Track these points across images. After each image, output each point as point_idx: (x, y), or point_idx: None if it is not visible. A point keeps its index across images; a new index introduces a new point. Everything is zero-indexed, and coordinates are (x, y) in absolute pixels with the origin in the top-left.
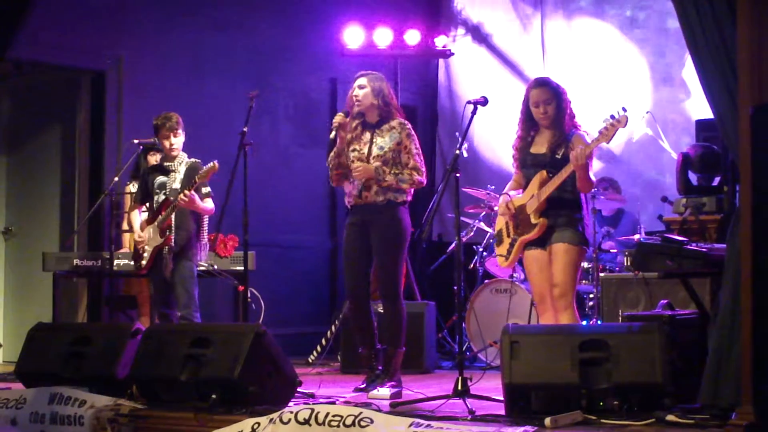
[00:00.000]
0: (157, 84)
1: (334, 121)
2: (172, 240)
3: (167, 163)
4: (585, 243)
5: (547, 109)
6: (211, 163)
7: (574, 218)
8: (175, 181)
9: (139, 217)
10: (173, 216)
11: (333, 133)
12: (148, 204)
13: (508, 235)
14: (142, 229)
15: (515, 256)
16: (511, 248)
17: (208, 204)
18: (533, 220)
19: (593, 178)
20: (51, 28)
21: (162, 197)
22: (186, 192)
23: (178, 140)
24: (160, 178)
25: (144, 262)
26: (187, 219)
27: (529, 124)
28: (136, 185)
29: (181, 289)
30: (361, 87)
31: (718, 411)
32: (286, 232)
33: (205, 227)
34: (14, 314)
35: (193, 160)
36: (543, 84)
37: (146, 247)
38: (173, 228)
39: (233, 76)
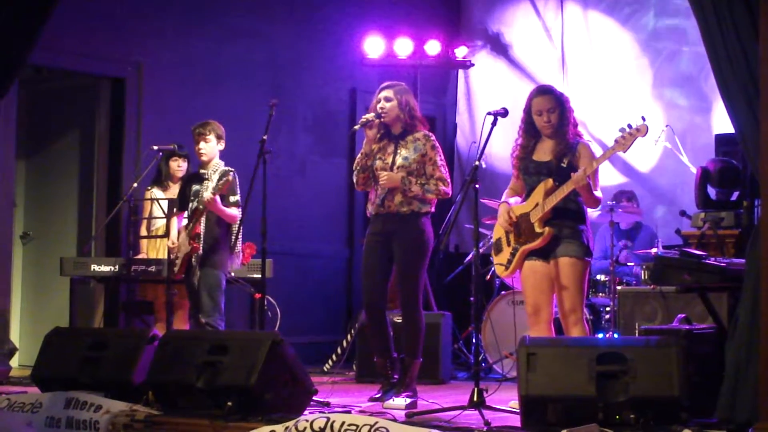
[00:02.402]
0: (177, 91)
1: (363, 117)
2: (200, 248)
3: (203, 171)
4: (589, 255)
5: (551, 117)
6: (227, 176)
7: (579, 229)
8: (207, 189)
9: (177, 224)
10: (202, 224)
11: (358, 126)
12: (185, 213)
13: (508, 244)
14: (178, 235)
15: (516, 265)
16: (512, 258)
17: (233, 211)
18: (537, 229)
19: (599, 195)
20: (71, 35)
21: (195, 205)
22: (209, 195)
23: (207, 146)
24: (195, 186)
25: (176, 269)
26: (215, 227)
27: (530, 132)
28: (156, 191)
29: (206, 296)
30: (387, 99)
31: (735, 426)
32: (303, 241)
33: (239, 237)
34: (31, 318)
35: (226, 168)
36: (546, 92)
37: (178, 254)
38: (201, 236)
39: (252, 85)
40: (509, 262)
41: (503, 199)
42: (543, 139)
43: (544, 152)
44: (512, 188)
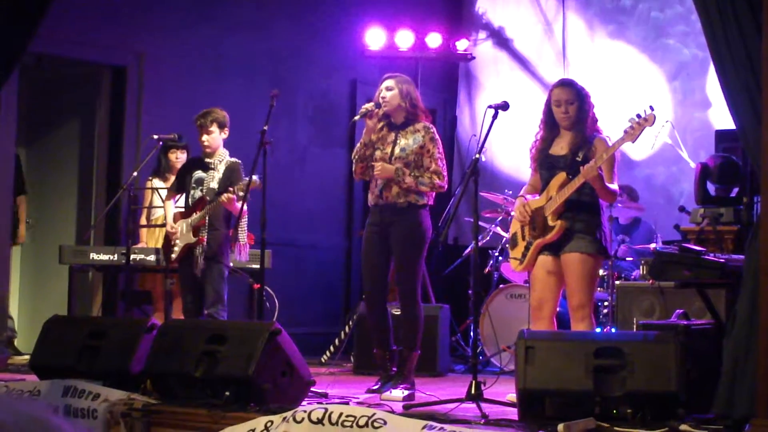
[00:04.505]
0: (178, 81)
1: (363, 107)
2: (205, 240)
3: (207, 160)
4: (603, 252)
5: (569, 109)
6: (255, 179)
7: (593, 224)
8: (214, 179)
9: (173, 207)
10: (207, 216)
11: (357, 116)
12: (180, 196)
13: (523, 238)
14: (175, 221)
15: (531, 259)
16: (526, 252)
17: (239, 204)
18: (551, 222)
19: (614, 187)
20: (73, 23)
21: (198, 193)
22: (229, 195)
23: (211, 138)
24: (199, 173)
25: (174, 256)
26: (221, 220)
27: (550, 125)
28: (157, 182)
29: (209, 288)
30: (388, 89)
31: (732, 422)
32: (302, 232)
33: (245, 229)
34: (30, 306)
35: (233, 160)
36: (567, 84)
37: (177, 242)
38: (206, 228)
39: (253, 75)
40: (523, 256)
41: (521, 194)
42: (561, 133)
43: (561, 146)
44: (531, 184)
